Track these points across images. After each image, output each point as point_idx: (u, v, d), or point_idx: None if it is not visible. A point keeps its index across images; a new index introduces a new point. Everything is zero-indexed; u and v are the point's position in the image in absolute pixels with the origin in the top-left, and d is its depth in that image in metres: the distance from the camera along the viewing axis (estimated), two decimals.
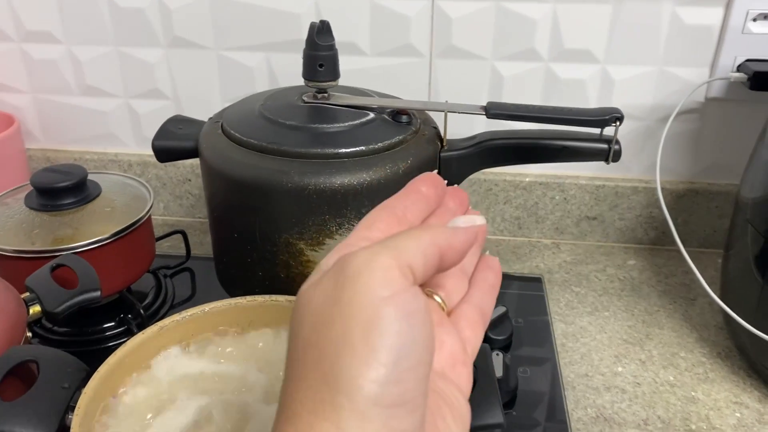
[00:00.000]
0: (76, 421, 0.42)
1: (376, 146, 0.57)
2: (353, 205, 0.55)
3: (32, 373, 0.46)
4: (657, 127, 0.81)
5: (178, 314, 0.52)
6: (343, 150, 0.56)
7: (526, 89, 0.80)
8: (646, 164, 0.83)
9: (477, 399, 0.42)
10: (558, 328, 0.72)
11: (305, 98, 0.62)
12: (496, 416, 0.41)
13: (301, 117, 0.59)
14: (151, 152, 0.65)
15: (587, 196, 0.84)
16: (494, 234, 0.89)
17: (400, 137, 0.58)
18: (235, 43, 0.82)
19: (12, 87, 0.89)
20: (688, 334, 0.71)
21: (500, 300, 0.74)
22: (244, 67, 0.84)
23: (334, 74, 0.60)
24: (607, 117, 0.59)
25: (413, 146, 0.59)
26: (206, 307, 0.53)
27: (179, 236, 0.82)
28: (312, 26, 0.58)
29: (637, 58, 0.77)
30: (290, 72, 0.82)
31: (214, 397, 0.47)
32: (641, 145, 0.82)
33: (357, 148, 0.56)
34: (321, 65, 0.59)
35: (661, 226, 0.85)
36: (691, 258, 0.67)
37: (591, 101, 0.80)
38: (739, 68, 0.75)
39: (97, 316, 0.71)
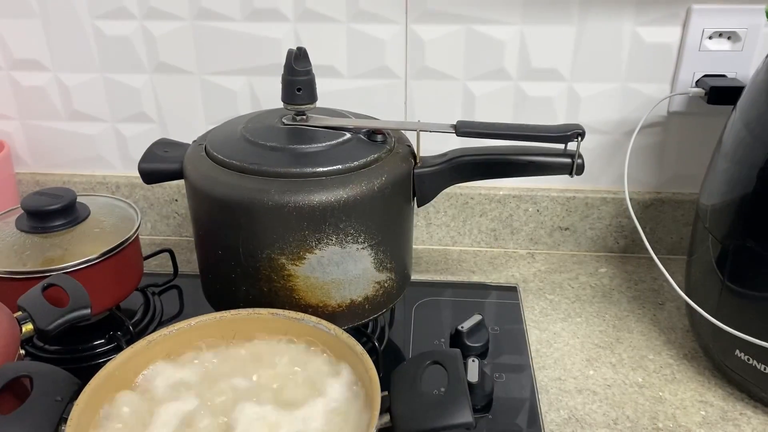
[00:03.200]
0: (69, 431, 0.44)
1: (353, 164, 0.60)
2: (331, 221, 0.58)
3: (26, 389, 0.49)
4: (623, 141, 0.84)
5: (165, 328, 0.54)
6: (321, 169, 0.59)
7: (497, 107, 0.84)
8: (614, 176, 0.87)
9: (447, 400, 0.45)
10: (533, 335, 0.75)
11: (285, 120, 0.65)
12: (465, 416, 0.44)
13: (281, 138, 0.62)
14: (138, 174, 0.67)
15: (559, 208, 0.88)
16: (471, 246, 0.92)
17: (375, 155, 0.62)
18: (218, 68, 0.86)
19: (1, 113, 0.91)
20: (657, 337, 0.74)
21: (477, 309, 0.77)
22: (227, 90, 0.87)
23: (312, 97, 0.63)
24: (569, 133, 0.62)
25: (388, 164, 0.62)
26: (192, 321, 0.55)
27: (167, 255, 0.85)
28: (290, 53, 0.61)
29: (602, 76, 0.81)
30: (272, 94, 0.85)
31: (201, 405, 0.50)
32: (609, 158, 0.86)
33: (334, 167, 0.59)
34: (299, 89, 0.62)
35: (631, 235, 0.89)
36: (661, 264, 0.70)
37: (559, 117, 0.84)
38: (698, 83, 0.79)
39: (87, 333, 0.73)
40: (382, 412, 0.46)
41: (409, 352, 0.72)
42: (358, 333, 0.68)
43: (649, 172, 0.86)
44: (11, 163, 0.91)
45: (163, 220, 0.95)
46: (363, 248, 0.61)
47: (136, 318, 0.77)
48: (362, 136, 0.64)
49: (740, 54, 0.77)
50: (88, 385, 0.48)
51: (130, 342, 0.69)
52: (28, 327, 0.56)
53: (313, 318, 0.55)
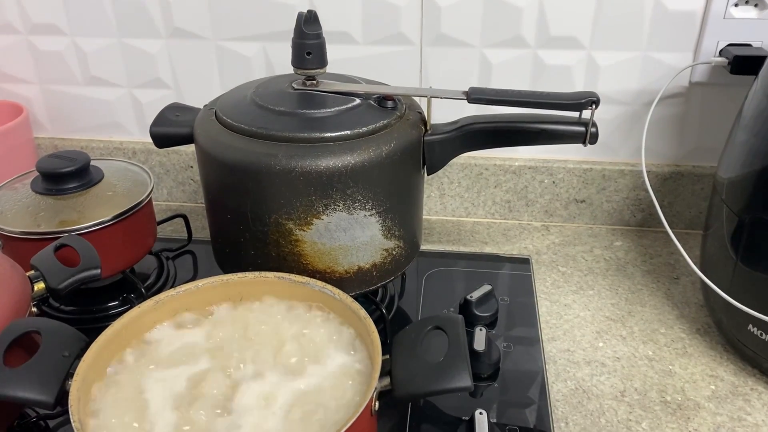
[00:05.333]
0: (74, 386, 0.45)
1: (361, 130, 0.59)
2: (338, 187, 0.58)
3: (35, 345, 0.50)
4: (642, 112, 0.82)
5: (172, 290, 0.55)
6: (329, 134, 0.58)
7: (514, 76, 0.83)
8: (632, 148, 0.85)
9: (446, 364, 0.45)
10: (543, 306, 0.74)
11: (295, 85, 0.65)
12: (464, 380, 0.44)
13: (290, 103, 0.62)
14: None
15: (575, 180, 0.87)
16: (485, 217, 0.91)
17: (385, 122, 0.61)
18: (233, 34, 0.85)
19: (20, 78, 0.92)
20: (669, 312, 0.73)
21: (488, 279, 0.77)
22: (242, 56, 0.86)
23: (322, 62, 0.63)
24: (583, 100, 0.61)
25: (397, 130, 0.61)
26: (199, 283, 0.56)
27: (182, 220, 0.86)
28: (300, 16, 0.61)
29: (622, 44, 0.79)
30: (286, 61, 0.83)
31: (206, 366, 0.51)
32: (627, 129, 0.84)
33: (342, 132, 0.59)
34: (309, 53, 0.62)
35: (648, 208, 0.87)
36: (676, 239, 0.69)
37: (577, 87, 0.82)
38: (721, 53, 0.76)
39: (101, 295, 0.74)
40: (383, 375, 0.46)
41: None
42: (367, 300, 0.69)
43: (668, 144, 0.84)
44: (30, 127, 0.92)
45: (179, 187, 0.96)
46: (371, 215, 0.61)
47: (149, 281, 0.78)
48: (372, 102, 0.63)
49: (766, 22, 0.74)
50: (95, 342, 0.49)
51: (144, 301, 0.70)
52: (39, 285, 0.57)
53: (319, 282, 0.55)
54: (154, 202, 0.77)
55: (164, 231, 0.87)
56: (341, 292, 0.54)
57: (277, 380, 0.49)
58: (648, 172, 0.84)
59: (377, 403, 0.46)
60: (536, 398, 0.62)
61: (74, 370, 0.47)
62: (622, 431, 0.59)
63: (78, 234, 0.65)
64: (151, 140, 0.67)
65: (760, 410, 0.60)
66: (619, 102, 0.83)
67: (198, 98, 0.89)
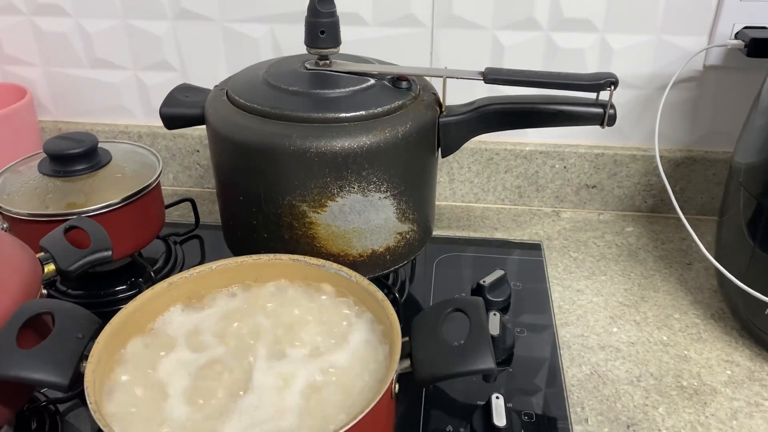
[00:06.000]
0: (89, 368, 0.44)
1: (376, 111, 0.58)
2: (353, 168, 0.57)
3: (47, 327, 0.49)
4: (655, 96, 0.82)
5: (186, 271, 0.54)
6: (344, 114, 0.57)
7: (526, 59, 0.82)
8: (644, 132, 0.84)
9: (469, 347, 0.44)
10: (555, 291, 0.74)
11: (308, 65, 0.64)
12: (487, 362, 0.43)
13: (304, 83, 0.61)
14: (160, 123, 0.67)
15: (587, 165, 0.86)
16: (495, 203, 0.90)
17: (400, 102, 0.60)
18: (240, 15, 0.84)
19: (23, 60, 0.91)
20: (683, 297, 0.73)
21: (500, 264, 0.76)
22: (249, 38, 0.85)
23: (336, 41, 0.62)
24: (602, 81, 0.60)
25: (412, 111, 0.60)
26: (213, 264, 0.55)
27: (189, 205, 0.85)
28: None
29: (636, 27, 0.78)
30: (294, 43, 0.83)
31: (220, 349, 0.50)
32: (640, 114, 0.83)
33: (357, 113, 0.58)
34: (322, 32, 0.60)
35: (659, 194, 0.86)
36: (689, 224, 0.68)
37: (590, 70, 0.81)
38: (737, 35, 0.75)
39: (109, 279, 0.73)
40: (403, 357, 0.46)
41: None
42: (379, 284, 0.67)
43: (681, 128, 0.84)
44: (34, 110, 0.91)
45: (185, 171, 0.95)
46: (385, 197, 0.60)
47: (157, 265, 0.77)
48: (387, 83, 0.62)
49: None
50: (108, 324, 0.48)
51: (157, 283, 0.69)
52: (50, 267, 0.56)
53: (335, 265, 0.54)
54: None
55: (171, 216, 0.86)
56: (357, 275, 0.53)
57: (294, 362, 0.48)
58: (660, 157, 0.83)
59: (397, 386, 0.45)
60: (551, 383, 0.61)
61: (88, 351, 0.46)
62: (639, 416, 0.58)
63: (86, 216, 0.64)
64: (157, 123, 0.67)
65: None
66: (632, 86, 0.82)
67: (204, 81, 0.87)
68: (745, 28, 0.75)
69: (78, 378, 0.45)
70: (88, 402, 0.41)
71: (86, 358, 0.45)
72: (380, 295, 0.51)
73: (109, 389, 0.46)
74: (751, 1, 0.74)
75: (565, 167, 0.86)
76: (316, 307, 0.53)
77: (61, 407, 0.59)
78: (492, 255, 0.80)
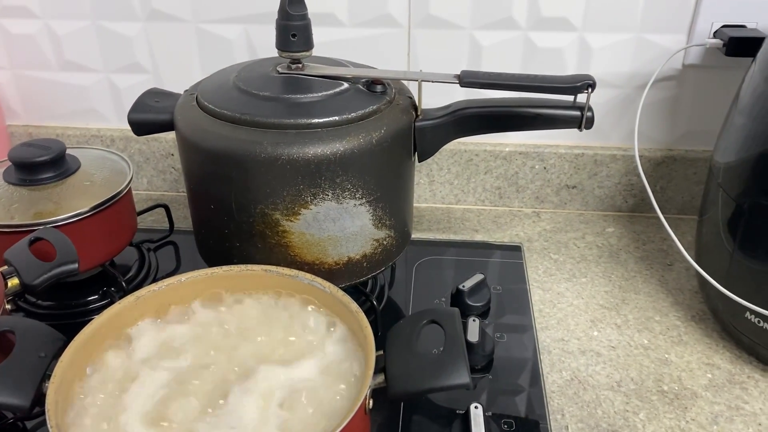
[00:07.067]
0: (51, 388, 0.43)
1: (350, 116, 0.57)
2: (327, 175, 0.56)
3: (10, 345, 0.47)
4: (635, 95, 0.81)
5: (154, 284, 0.53)
6: (316, 120, 0.56)
7: (505, 59, 0.80)
8: (624, 132, 0.84)
9: (443, 360, 0.43)
10: (536, 295, 0.73)
11: (279, 69, 0.62)
12: (462, 377, 0.42)
13: (275, 88, 0.59)
14: None
15: (567, 165, 0.85)
16: (475, 204, 0.89)
17: (374, 107, 0.59)
18: (214, 16, 0.82)
19: None
20: (664, 299, 0.72)
21: (480, 267, 0.75)
22: (223, 39, 0.83)
23: (308, 44, 0.60)
24: (579, 84, 0.59)
25: (387, 116, 0.59)
26: (182, 277, 0.54)
27: (163, 211, 0.83)
28: None
29: (615, 26, 0.77)
30: (269, 44, 0.80)
31: (191, 363, 0.48)
32: (620, 113, 0.83)
33: (330, 118, 0.56)
34: (294, 35, 0.59)
35: (640, 194, 0.86)
36: (669, 224, 0.67)
37: (569, 70, 0.80)
38: (716, 34, 0.75)
39: (80, 289, 0.71)
40: (377, 371, 0.45)
41: (409, 312, 0.70)
42: (356, 292, 0.66)
43: (661, 128, 0.83)
44: (2, 114, 0.88)
45: (160, 175, 0.93)
46: (360, 204, 0.59)
47: (130, 274, 0.75)
48: (361, 87, 0.61)
49: (762, 2, 0.73)
50: (73, 341, 0.46)
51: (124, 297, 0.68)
52: (14, 281, 0.54)
53: (308, 275, 0.53)
54: (133, 192, 0.74)
55: (145, 221, 0.84)
56: (332, 285, 0.52)
57: (264, 378, 0.47)
58: (640, 156, 0.83)
59: (371, 401, 0.44)
60: (531, 390, 0.60)
61: (51, 371, 0.44)
62: (620, 422, 0.57)
63: (55, 226, 0.62)
64: (129, 127, 0.64)
65: (757, 398, 0.60)
66: (612, 85, 0.81)
67: (178, 83, 0.85)
68: (724, 26, 0.74)
69: (40, 399, 0.44)
70: (49, 426, 0.40)
71: (49, 377, 0.44)
72: (354, 306, 0.49)
73: (74, 410, 0.44)
74: (728, 0, 0.73)
75: (545, 168, 0.86)
76: (289, 319, 0.52)
77: (30, 424, 0.57)
78: (472, 258, 0.79)
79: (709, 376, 0.62)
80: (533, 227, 0.85)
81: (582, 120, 0.61)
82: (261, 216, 0.57)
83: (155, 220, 0.85)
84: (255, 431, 0.43)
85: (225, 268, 0.54)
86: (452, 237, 0.83)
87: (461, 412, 0.57)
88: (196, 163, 0.60)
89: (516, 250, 0.80)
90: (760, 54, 0.61)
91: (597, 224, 0.86)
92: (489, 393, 0.60)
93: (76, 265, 0.56)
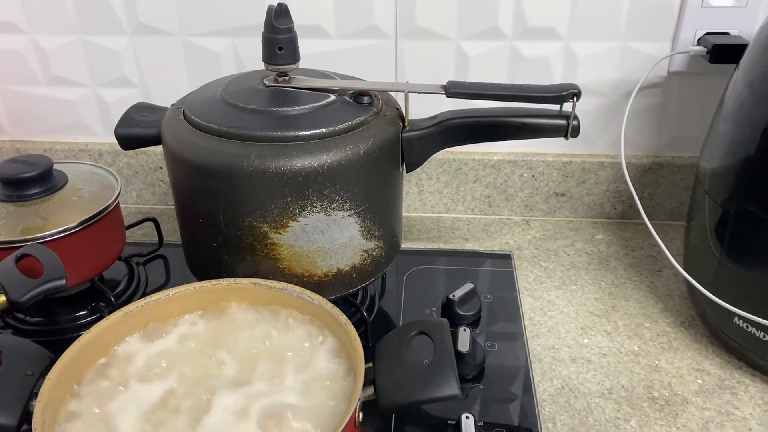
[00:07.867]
0: (38, 407, 0.42)
1: (337, 128, 0.57)
2: (315, 187, 0.56)
3: None
4: (621, 103, 0.81)
5: (142, 299, 0.52)
6: (304, 132, 0.56)
7: (491, 68, 0.81)
8: (611, 139, 0.84)
9: (433, 372, 0.43)
10: (526, 303, 0.73)
11: (266, 82, 0.62)
12: (451, 388, 0.42)
13: (262, 101, 0.59)
14: None
15: (555, 173, 0.85)
16: (465, 213, 0.90)
17: (362, 118, 0.59)
18: (201, 29, 0.82)
19: None
20: (653, 305, 0.73)
21: (469, 276, 0.75)
22: (211, 52, 0.83)
23: (294, 57, 0.60)
24: (564, 93, 0.60)
25: (374, 127, 0.59)
26: (170, 291, 0.53)
27: (152, 224, 0.82)
28: (270, 9, 0.58)
29: (600, 34, 0.78)
30: (257, 56, 0.81)
31: (179, 379, 0.48)
32: (606, 121, 0.83)
33: (317, 131, 0.56)
34: (280, 48, 0.59)
35: (628, 200, 0.86)
36: (657, 230, 0.68)
37: (556, 78, 0.81)
38: (700, 42, 0.75)
39: (69, 305, 0.71)
40: (366, 384, 0.45)
41: (400, 322, 0.70)
42: (346, 303, 0.66)
43: (647, 135, 0.84)
44: None
45: (149, 189, 0.93)
46: (349, 215, 0.59)
47: (119, 289, 0.75)
48: (348, 98, 0.61)
49: (744, 10, 0.74)
50: (60, 359, 0.46)
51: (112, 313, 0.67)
52: (0, 299, 0.54)
53: (297, 288, 0.53)
54: (122, 206, 0.74)
55: (134, 235, 0.84)
56: (320, 298, 0.52)
57: (254, 393, 0.46)
58: (627, 163, 0.83)
59: (361, 414, 0.44)
60: (523, 398, 0.60)
61: (38, 389, 0.44)
62: (611, 430, 0.57)
63: (42, 242, 0.62)
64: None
65: (747, 403, 0.60)
66: (598, 93, 0.81)
67: (165, 97, 0.85)
68: (707, 34, 0.75)
69: (27, 417, 0.43)
70: None
71: (36, 396, 0.44)
72: (343, 318, 0.49)
73: (60, 428, 0.44)
74: (711, 8, 0.74)
75: (533, 176, 0.86)
76: (278, 332, 0.52)
77: None
78: (462, 267, 0.79)
79: (699, 381, 0.62)
80: (523, 235, 0.85)
81: (568, 129, 0.61)
82: (249, 229, 0.57)
83: (144, 234, 0.85)
84: None
85: (213, 282, 0.54)
86: (442, 246, 0.83)
87: (453, 422, 0.56)
88: (184, 176, 0.60)
89: (506, 258, 0.80)
90: (743, 61, 0.62)
91: (586, 231, 0.86)
92: (480, 402, 0.60)
93: (64, 281, 0.55)
